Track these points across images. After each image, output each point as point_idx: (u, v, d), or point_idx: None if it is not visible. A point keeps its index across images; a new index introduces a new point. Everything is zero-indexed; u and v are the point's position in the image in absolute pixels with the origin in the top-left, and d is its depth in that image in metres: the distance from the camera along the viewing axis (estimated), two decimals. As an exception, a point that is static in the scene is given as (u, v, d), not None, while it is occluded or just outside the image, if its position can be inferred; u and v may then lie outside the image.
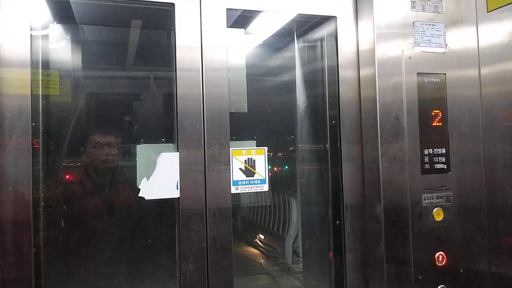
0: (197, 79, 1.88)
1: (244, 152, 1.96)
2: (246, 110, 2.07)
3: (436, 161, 1.98)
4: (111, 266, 2.41)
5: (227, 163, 1.91)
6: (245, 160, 1.97)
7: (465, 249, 2.00)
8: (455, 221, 1.99)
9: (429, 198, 1.96)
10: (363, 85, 2.08)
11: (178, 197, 1.83)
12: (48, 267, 1.92)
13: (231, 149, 1.92)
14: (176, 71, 1.86)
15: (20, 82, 1.68)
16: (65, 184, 2.34)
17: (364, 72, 2.07)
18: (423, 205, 1.95)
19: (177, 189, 1.83)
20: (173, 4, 1.87)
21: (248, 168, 1.97)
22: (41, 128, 1.86)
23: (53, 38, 2.26)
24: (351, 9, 2.12)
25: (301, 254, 3.07)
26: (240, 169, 1.95)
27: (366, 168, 2.05)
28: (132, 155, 1.96)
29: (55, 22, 2.25)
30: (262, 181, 1.99)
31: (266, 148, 2.01)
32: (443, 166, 1.99)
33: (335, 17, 2.12)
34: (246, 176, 1.96)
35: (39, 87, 1.90)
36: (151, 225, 2.47)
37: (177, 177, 1.83)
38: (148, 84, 2.83)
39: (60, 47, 2.37)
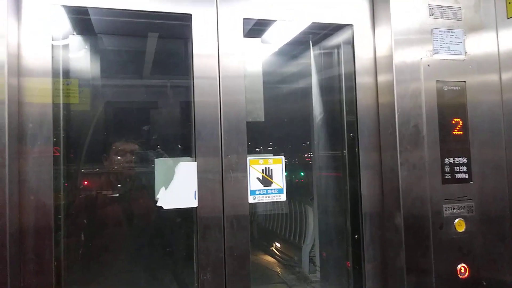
0: (214, 88, 1.89)
1: (261, 161, 1.96)
2: (263, 119, 2.07)
3: (457, 170, 1.94)
4: (132, 273, 2.41)
5: (244, 172, 1.90)
6: (262, 170, 1.96)
7: (488, 261, 1.95)
8: (478, 231, 1.95)
9: (450, 209, 1.92)
10: (380, 91, 2.05)
11: (196, 207, 1.83)
12: (69, 274, 1.93)
13: (248, 158, 1.91)
14: (193, 79, 1.87)
15: (41, 91, 1.70)
16: (86, 191, 2.37)
17: (381, 78, 2.05)
18: (444, 215, 1.92)
19: (195, 198, 1.83)
20: (190, 15, 1.89)
21: (266, 178, 1.96)
22: (62, 136, 1.89)
23: (73, 48, 2.29)
24: (368, 16, 2.10)
25: (318, 263, 3.04)
26: (258, 178, 1.94)
27: (385, 176, 2.02)
28: (152, 163, 1.97)
29: (75, 33, 2.28)
30: (280, 191, 1.98)
31: (283, 157, 2.00)
32: (464, 176, 1.95)
33: (351, 25, 2.11)
34: (264, 186, 1.95)
35: (60, 96, 1.94)
36: (172, 233, 2.47)
37: (195, 187, 1.83)
38: (166, 92, 2.85)
39: (80, 57, 2.41)
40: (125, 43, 2.79)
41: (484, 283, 1.93)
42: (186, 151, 1.97)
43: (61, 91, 1.95)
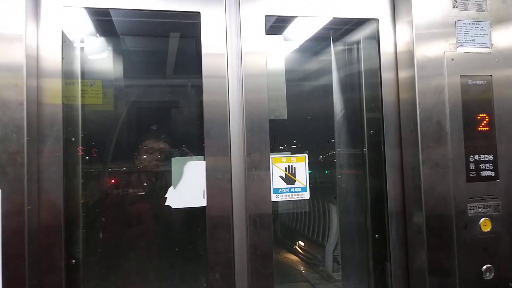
0: (223, 87, 1.87)
1: (284, 159, 1.93)
2: (286, 117, 2.04)
3: (483, 168, 1.87)
4: (158, 273, 2.41)
5: (267, 170, 1.88)
6: (285, 168, 1.93)
7: (516, 262, 1.87)
8: (504, 232, 1.87)
9: (475, 208, 1.85)
10: (401, 88, 2.00)
11: (205, 206, 1.82)
12: (87, 272, 1.96)
13: (271, 156, 1.89)
14: (202, 78, 1.86)
15: (59, 92, 1.72)
16: (111, 190, 2.39)
17: (402, 74, 1.99)
18: (469, 215, 1.85)
19: (204, 197, 1.82)
20: (198, 13, 1.88)
21: (289, 176, 1.93)
22: (80, 135, 1.92)
23: (91, 48, 2.31)
24: (389, 10, 2.05)
25: (341, 262, 2.99)
26: (281, 176, 1.92)
27: (406, 175, 1.96)
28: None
29: (98, 35, 2.31)
30: (303, 189, 1.95)
31: (306, 155, 1.97)
32: (490, 174, 1.87)
33: (376, 19, 2.05)
34: (287, 184, 1.93)
35: (80, 97, 1.97)
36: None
37: (203, 186, 1.83)
38: (183, 91, 2.85)
39: (102, 58, 2.44)
40: (144, 44, 2.81)
41: (511, 285, 1.85)
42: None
43: (80, 92, 1.98)
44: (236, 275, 1.84)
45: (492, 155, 1.88)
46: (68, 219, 1.72)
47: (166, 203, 1.83)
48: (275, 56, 2.06)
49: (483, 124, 1.89)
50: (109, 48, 2.48)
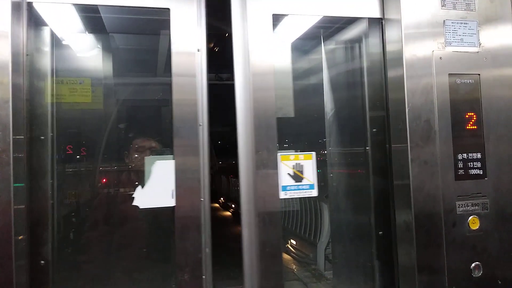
0: (193, 86, 1.84)
1: (292, 157, 1.94)
2: (293, 115, 2.04)
3: (471, 166, 1.88)
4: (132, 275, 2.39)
5: (275, 168, 1.87)
6: (293, 165, 1.94)
7: (503, 259, 1.89)
8: (492, 229, 1.88)
9: (463, 206, 1.86)
10: (390, 86, 2.00)
11: (174, 206, 1.80)
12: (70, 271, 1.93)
13: (279, 154, 1.88)
14: (172, 76, 1.83)
15: (45, 90, 1.73)
16: (101, 189, 2.37)
17: (391, 73, 2.00)
18: (458, 213, 1.86)
19: (173, 197, 1.80)
20: (168, 9, 1.84)
21: (296, 173, 1.94)
22: (54, 135, 1.89)
23: (84, 47, 2.29)
24: (378, 9, 2.05)
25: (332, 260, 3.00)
26: (289, 174, 1.92)
27: (396, 173, 1.97)
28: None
29: (87, 32, 2.28)
30: (311, 186, 1.95)
31: (314, 153, 1.97)
32: (478, 172, 1.89)
33: (380, 18, 2.05)
34: (295, 181, 1.93)
35: (54, 94, 1.94)
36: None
37: (172, 185, 1.81)
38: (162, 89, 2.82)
39: (92, 56, 2.41)
40: (137, 41, 2.79)
41: (499, 282, 1.87)
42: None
43: (55, 90, 1.94)
44: (244, 273, 1.83)
45: (480, 153, 1.90)
46: (33, 220, 1.69)
47: (134, 203, 1.80)
48: (282, 54, 2.05)
49: (471, 122, 1.90)
50: (98, 46, 2.46)
